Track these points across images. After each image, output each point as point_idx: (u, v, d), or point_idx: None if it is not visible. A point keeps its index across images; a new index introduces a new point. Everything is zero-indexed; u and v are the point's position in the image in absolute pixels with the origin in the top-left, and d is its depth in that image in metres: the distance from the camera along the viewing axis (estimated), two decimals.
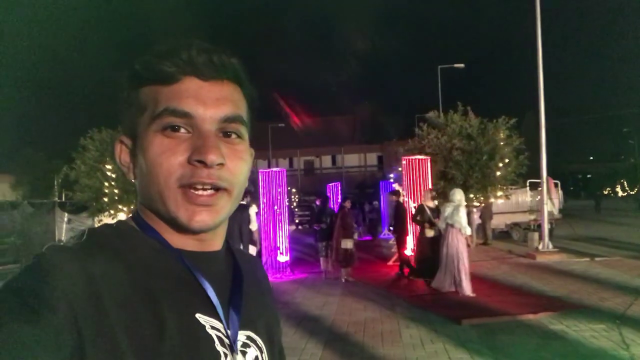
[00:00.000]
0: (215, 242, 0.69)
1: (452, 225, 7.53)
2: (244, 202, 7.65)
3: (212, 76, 0.63)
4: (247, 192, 8.17)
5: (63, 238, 14.54)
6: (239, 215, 7.32)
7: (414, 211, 9.81)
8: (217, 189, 0.62)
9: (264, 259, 10.56)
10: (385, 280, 9.07)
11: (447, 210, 7.69)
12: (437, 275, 7.66)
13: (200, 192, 0.60)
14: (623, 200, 47.97)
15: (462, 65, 24.73)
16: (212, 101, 0.62)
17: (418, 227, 8.98)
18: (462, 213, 7.54)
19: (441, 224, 7.84)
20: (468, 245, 7.59)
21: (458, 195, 7.74)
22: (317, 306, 7.15)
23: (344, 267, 9.05)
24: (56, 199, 17.20)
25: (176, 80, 0.61)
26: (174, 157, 0.60)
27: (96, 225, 0.65)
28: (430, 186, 9.19)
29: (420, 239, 8.55)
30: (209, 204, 0.61)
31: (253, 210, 8.20)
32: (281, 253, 10.40)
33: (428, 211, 8.43)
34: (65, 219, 14.87)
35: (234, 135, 0.65)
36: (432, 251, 8.09)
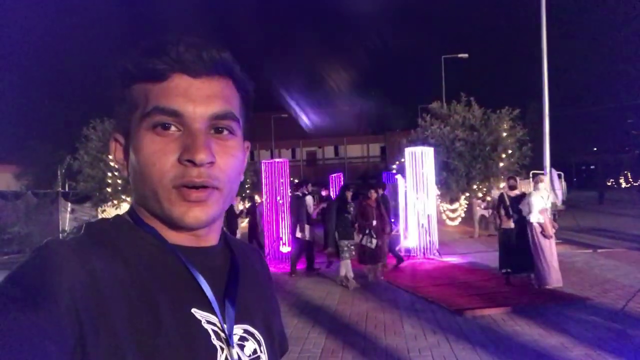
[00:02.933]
0: (211, 238, 0.69)
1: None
2: (298, 194, 9.07)
3: (201, 73, 0.62)
4: (305, 184, 9.28)
5: (67, 228, 14.63)
6: (302, 203, 8.91)
7: (422, 202, 9.60)
8: (208, 187, 0.61)
9: (266, 250, 10.61)
10: (387, 271, 9.09)
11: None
12: (538, 272, 7.11)
13: (192, 189, 0.60)
14: (626, 191, 47.80)
15: (465, 55, 24.53)
16: (202, 99, 0.61)
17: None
18: (532, 199, 7.05)
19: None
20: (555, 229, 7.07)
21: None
22: (319, 296, 7.18)
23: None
24: (59, 189, 17.23)
25: (165, 78, 0.61)
26: (165, 157, 0.60)
27: (92, 220, 0.65)
28: (511, 176, 8.25)
29: (499, 231, 7.89)
30: (202, 200, 0.61)
31: (309, 199, 9.47)
32: (284, 244, 10.44)
33: (507, 201, 7.71)
34: (69, 209, 14.95)
35: (225, 132, 0.64)
36: (510, 244, 7.56)
